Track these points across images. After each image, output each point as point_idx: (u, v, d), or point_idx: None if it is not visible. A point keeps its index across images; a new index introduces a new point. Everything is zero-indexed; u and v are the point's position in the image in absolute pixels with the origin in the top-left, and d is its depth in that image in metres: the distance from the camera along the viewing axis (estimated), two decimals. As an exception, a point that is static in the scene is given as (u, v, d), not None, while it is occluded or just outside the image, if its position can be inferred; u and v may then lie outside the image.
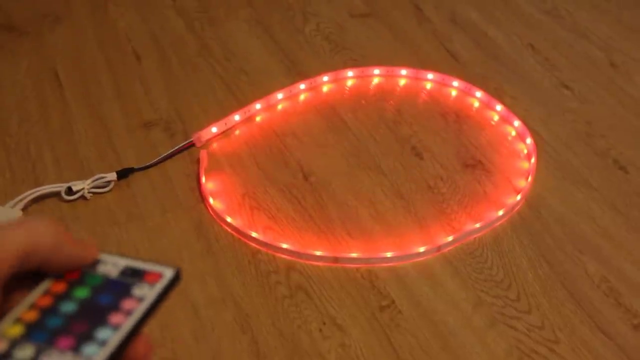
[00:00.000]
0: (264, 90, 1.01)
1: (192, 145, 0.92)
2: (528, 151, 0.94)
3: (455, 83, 1.04)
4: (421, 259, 0.80)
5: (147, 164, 0.89)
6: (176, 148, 0.91)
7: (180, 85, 1.03)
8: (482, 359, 0.71)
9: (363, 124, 0.97)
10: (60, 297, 0.35)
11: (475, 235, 0.83)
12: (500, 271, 0.79)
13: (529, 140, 0.94)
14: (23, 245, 0.34)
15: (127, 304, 0.35)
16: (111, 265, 0.37)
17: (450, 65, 1.08)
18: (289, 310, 0.74)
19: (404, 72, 1.06)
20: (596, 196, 0.88)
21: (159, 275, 0.37)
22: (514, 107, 1.00)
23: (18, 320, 0.34)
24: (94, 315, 0.34)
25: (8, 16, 1.15)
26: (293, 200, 0.86)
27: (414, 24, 1.17)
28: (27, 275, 0.35)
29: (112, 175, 0.86)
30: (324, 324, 0.73)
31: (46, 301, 0.35)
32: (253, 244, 0.81)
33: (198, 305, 0.74)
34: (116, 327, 0.34)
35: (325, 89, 1.03)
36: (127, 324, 0.34)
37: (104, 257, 0.38)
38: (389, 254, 0.79)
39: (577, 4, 1.23)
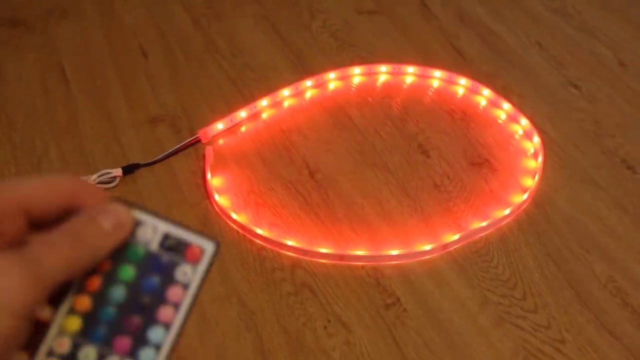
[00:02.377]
0: (270, 87, 1.00)
1: (197, 141, 0.92)
2: (535, 150, 0.93)
3: (462, 81, 1.03)
4: (427, 257, 0.80)
5: (153, 159, 0.89)
6: (182, 144, 0.91)
7: (187, 81, 1.03)
8: (488, 358, 0.70)
9: (369, 121, 0.97)
10: (108, 278, 0.34)
11: (481, 234, 0.82)
12: (506, 270, 0.79)
13: (536, 139, 0.94)
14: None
15: (173, 293, 0.35)
16: (151, 230, 0.35)
17: (457, 62, 1.08)
18: (293, 307, 0.74)
19: (410, 69, 1.05)
20: (603, 195, 0.88)
21: (201, 252, 0.35)
22: (521, 106, 0.99)
23: (73, 311, 0.34)
24: (143, 308, 0.34)
25: (14, 11, 1.15)
26: (299, 197, 0.86)
27: (421, 21, 1.16)
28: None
29: (118, 171, 0.86)
30: (329, 321, 0.73)
31: (95, 284, 0.34)
32: (258, 241, 0.80)
33: (202, 302, 0.74)
34: (167, 326, 0.34)
35: (331, 86, 1.03)
36: (177, 321, 0.34)
37: (141, 216, 0.36)
38: (394, 252, 0.79)
39: (585, 2, 1.22)
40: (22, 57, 1.06)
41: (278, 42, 1.10)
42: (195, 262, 0.35)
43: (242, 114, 0.96)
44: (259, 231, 0.80)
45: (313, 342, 0.71)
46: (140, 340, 0.34)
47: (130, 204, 0.36)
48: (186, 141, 0.92)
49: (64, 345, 0.33)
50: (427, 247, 0.80)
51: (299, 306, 0.74)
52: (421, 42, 1.12)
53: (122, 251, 0.35)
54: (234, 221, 0.82)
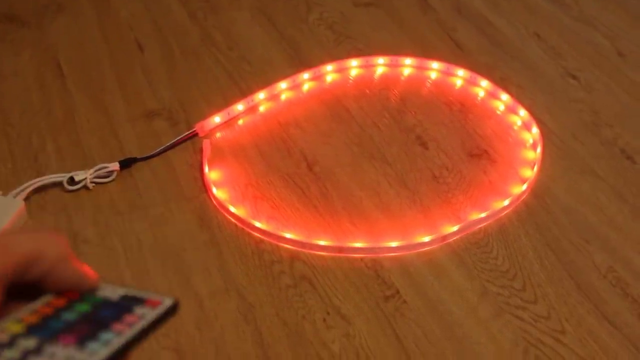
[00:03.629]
0: (267, 80, 1.00)
1: (195, 134, 0.92)
2: (534, 141, 0.93)
3: (460, 72, 1.03)
4: (426, 248, 0.79)
5: (150, 153, 0.89)
6: (179, 138, 0.91)
7: (183, 75, 1.02)
8: (488, 349, 0.70)
9: (367, 113, 0.97)
10: (62, 309, 0.35)
11: (480, 225, 0.82)
12: (505, 261, 0.78)
13: (534, 130, 0.93)
14: (29, 250, 0.34)
15: (128, 318, 0.35)
16: (110, 292, 0.37)
17: (455, 54, 1.07)
18: (292, 300, 0.74)
19: (408, 61, 1.05)
20: (603, 186, 0.88)
21: (159, 302, 0.36)
22: (519, 97, 0.99)
23: (20, 321, 0.34)
24: (96, 323, 0.34)
25: (10, 6, 1.14)
26: (297, 190, 0.86)
27: (419, 13, 1.16)
28: (25, 289, 0.35)
29: (115, 165, 0.86)
30: (328, 313, 0.72)
31: (47, 310, 0.35)
32: (257, 234, 0.80)
33: (201, 296, 0.74)
34: (119, 333, 0.33)
35: (329, 78, 1.03)
36: (130, 332, 0.34)
37: (103, 285, 0.37)
38: (393, 244, 0.79)
39: (583, -8, 1.22)
40: (18, 52, 1.05)
41: (275, 35, 1.10)
42: (153, 307, 0.36)
43: (240, 107, 0.96)
44: (258, 224, 0.80)
45: (312, 334, 0.70)
46: (89, 337, 0.33)
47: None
48: (183, 135, 0.91)
49: (2, 337, 0.32)
50: (426, 239, 0.79)
51: (298, 299, 0.74)
52: (419, 34, 1.12)
53: (79, 298, 0.36)
54: (232, 214, 0.81)
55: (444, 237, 0.80)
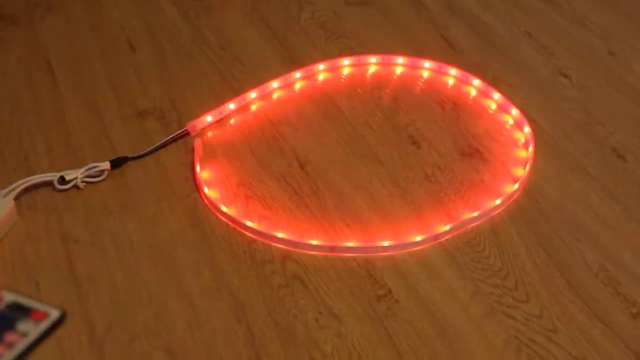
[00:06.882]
0: (259, 79, 1.00)
1: (186, 134, 0.92)
2: (526, 139, 0.93)
3: (453, 71, 1.03)
4: (418, 248, 0.79)
5: (141, 153, 0.88)
6: (170, 137, 0.91)
7: (175, 74, 1.02)
8: (480, 348, 0.70)
9: (359, 112, 0.97)
10: None
11: (472, 224, 0.82)
12: (497, 260, 0.78)
13: (526, 129, 0.93)
14: None
15: (9, 337, 0.34)
16: None
17: (447, 53, 1.07)
18: (284, 299, 0.73)
19: (400, 60, 1.04)
20: (594, 184, 0.88)
21: (45, 315, 0.36)
22: (511, 95, 0.99)
23: None
24: None
25: None
26: (289, 189, 0.85)
27: (411, 12, 1.16)
28: None
29: (106, 165, 0.85)
30: (320, 313, 0.72)
31: None
32: (248, 234, 0.80)
33: (193, 296, 0.73)
34: None
35: (321, 77, 1.02)
36: (7, 357, 0.33)
37: None
38: (385, 243, 0.78)
39: (575, -9, 1.22)
40: (8, 51, 1.05)
41: (267, 34, 1.10)
42: (38, 321, 0.35)
43: (231, 106, 0.95)
44: (249, 224, 0.80)
45: (304, 334, 0.70)
46: None
47: None
48: (175, 134, 0.91)
49: None
50: (419, 238, 0.79)
51: (290, 298, 0.73)
52: (411, 32, 1.12)
53: None
54: (224, 214, 0.81)
55: (436, 237, 0.80)
